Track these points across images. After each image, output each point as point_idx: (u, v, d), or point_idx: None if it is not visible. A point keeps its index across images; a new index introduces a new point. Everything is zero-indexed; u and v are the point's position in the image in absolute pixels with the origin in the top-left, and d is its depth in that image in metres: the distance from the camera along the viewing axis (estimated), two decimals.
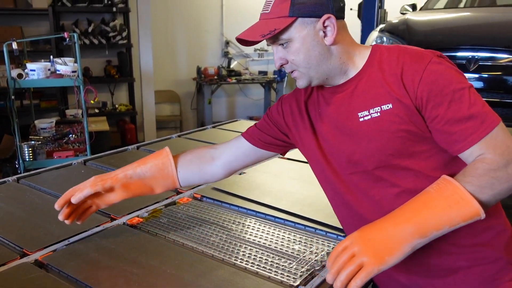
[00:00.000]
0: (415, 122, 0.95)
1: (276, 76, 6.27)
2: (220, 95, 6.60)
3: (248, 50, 6.50)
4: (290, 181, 1.77)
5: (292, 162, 2.04)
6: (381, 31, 3.48)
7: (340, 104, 1.05)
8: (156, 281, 1.08)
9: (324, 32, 0.99)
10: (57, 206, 1.20)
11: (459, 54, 2.96)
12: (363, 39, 4.26)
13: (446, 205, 0.87)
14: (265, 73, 6.47)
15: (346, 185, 1.07)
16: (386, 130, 0.97)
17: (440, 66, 0.94)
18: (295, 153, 2.12)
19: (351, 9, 5.11)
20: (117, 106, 5.54)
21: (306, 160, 1.19)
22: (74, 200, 1.18)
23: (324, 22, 0.98)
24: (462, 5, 4.26)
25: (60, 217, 1.21)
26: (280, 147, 1.26)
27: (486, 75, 2.86)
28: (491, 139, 0.89)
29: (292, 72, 1.05)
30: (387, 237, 0.86)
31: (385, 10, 4.60)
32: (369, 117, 0.99)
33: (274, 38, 1.00)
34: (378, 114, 0.98)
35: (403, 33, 3.30)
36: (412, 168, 0.99)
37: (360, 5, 4.87)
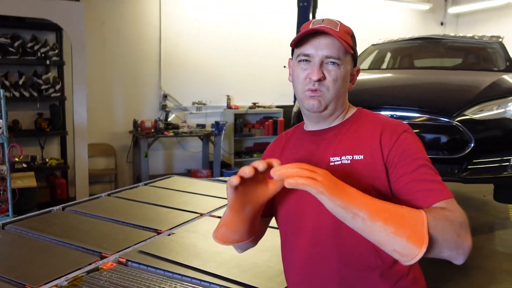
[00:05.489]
0: (379, 178, 1.04)
1: (214, 129, 6.35)
2: (157, 148, 6.54)
3: (186, 103, 6.57)
4: None
5: None
6: None
7: (316, 147, 1.13)
8: None
9: (352, 78, 1.17)
10: None
11: (382, 113, 3.17)
12: (295, 98, 4.45)
13: (408, 216, 0.90)
14: (203, 126, 6.53)
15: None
16: (351, 177, 1.03)
17: (414, 136, 1.09)
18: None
19: (284, 66, 5.38)
20: (47, 160, 5.32)
21: None
22: None
23: (357, 70, 1.18)
24: (384, 66, 4.64)
25: None
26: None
27: None
28: (450, 203, 0.98)
29: (316, 90, 1.10)
30: (344, 187, 0.90)
31: None
32: (339, 162, 1.08)
33: (338, 52, 1.08)
34: (349, 161, 1.07)
35: None
36: None
37: None
